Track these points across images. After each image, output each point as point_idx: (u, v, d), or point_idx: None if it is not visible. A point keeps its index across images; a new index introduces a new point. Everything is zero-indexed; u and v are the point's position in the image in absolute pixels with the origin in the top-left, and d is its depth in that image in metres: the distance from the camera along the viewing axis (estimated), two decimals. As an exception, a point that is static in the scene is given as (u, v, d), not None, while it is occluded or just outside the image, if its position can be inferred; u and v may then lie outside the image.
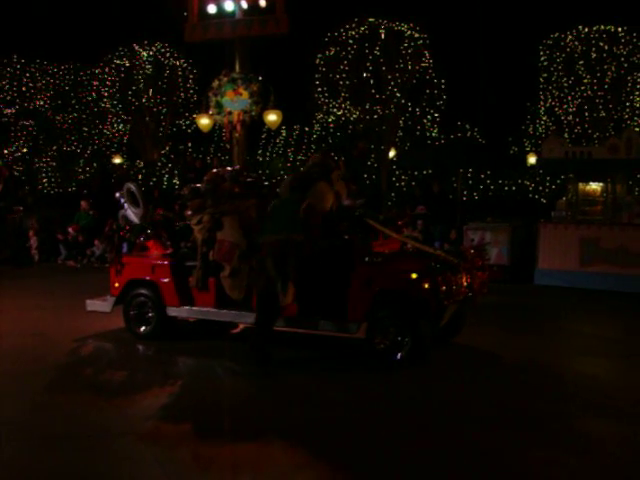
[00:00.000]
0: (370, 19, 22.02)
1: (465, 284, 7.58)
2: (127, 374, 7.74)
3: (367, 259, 7.68)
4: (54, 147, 25.79)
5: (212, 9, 14.25)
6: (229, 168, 9.24)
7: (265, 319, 7.78)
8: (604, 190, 13.74)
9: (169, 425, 6.04)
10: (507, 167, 21.35)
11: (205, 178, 8.75)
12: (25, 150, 25.24)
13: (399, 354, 7.45)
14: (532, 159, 21.05)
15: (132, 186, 9.44)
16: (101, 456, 5.31)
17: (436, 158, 18.67)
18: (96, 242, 15.78)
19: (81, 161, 25.70)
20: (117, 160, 24.38)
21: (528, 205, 19.45)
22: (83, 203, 17.72)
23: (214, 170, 9.05)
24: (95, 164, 24.17)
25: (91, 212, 17.15)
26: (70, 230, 16.77)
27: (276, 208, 7.89)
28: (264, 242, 7.72)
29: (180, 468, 5.14)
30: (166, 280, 8.78)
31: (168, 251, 9.26)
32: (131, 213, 9.35)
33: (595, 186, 13.89)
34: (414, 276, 7.34)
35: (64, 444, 5.53)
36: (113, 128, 25.51)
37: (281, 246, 7.55)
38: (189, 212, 8.78)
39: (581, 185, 13.95)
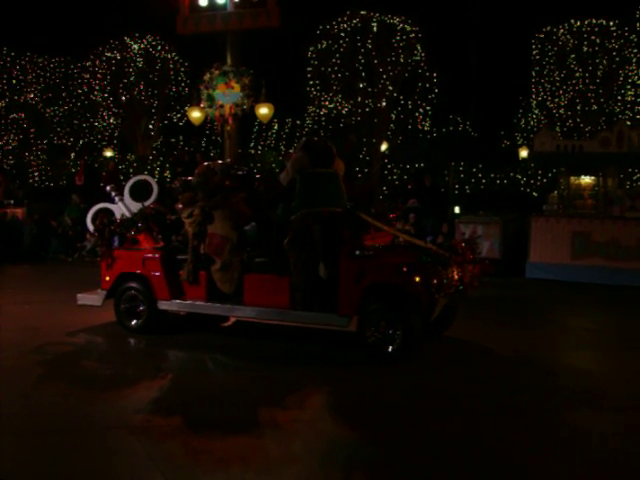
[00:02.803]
0: (362, 12, 21.96)
1: (456, 277, 7.58)
2: (118, 368, 7.71)
3: (358, 252, 7.68)
4: (45, 140, 25.66)
5: (204, 2, 14.19)
6: (220, 161, 9.23)
7: (306, 288, 7.83)
8: (595, 184, 13.75)
9: (160, 418, 6.03)
10: (499, 160, 21.36)
11: (196, 171, 8.73)
12: (15, 143, 25.10)
13: (390, 347, 7.44)
14: (524, 152, 21.08)
15: (148, 178, 9.56)
16: (92, 449, 5.31)
17: (428, 151, 18.61)
18: (87, 236, 15.71)
19: (72, 154, 25.59)
20: (108, 153, 24.26)
21: (520, 198, 19.47)
22: (74, 196, 17.66)
23: (205, 163, 9.03)
24: (86, 157, 24.05)
25: (82, 205, 17.08)
26: (67, 219, 16.75)
27: (320, 180, 7.89)
28: (311, 213, 7.76)
29: (171, 461, 5.13)
30: (157, 274, 8.76)
31: (159, 245, 9.24)
32: (122, 206, 9.34)
33: (587, 180, 13.90)
34: (405, 269, 7.33)
35: (54, 438, 5.52)
36: (104, 121, 25.42)
37: (333, 218, 7.66)
38: (180, 205, 8.77)
39: (572, 179, 13.94)
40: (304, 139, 8.35)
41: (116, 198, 9.49)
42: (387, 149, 21.94)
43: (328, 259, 7.67)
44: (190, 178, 8.82)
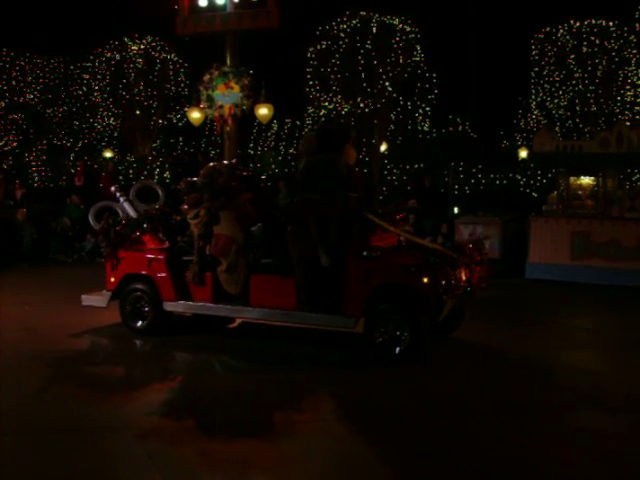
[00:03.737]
0: (361, 12, 22.00)
1: (464, 278, 7.59)
2: (123, 370, 7.71)
3: (365, 253, 7.68)
4: (44, 141, 25.62)
5: (203, 2, 14.17)
6: (225, 162, 9.24)
7: (308, 283, 7.79)
8: (595, 184, 13.78)
9: (165, 421, 6.00)
10: (498, 161, 21.41)
11: (201, 172, 8.72)
12: (15, 144, 25.06)
13: (398, 349, 7.43)
14: (523, 153, 21.13)
15: (153, 184, 9.63)
16: (94, 452, 5.27)
17: (427, 152, 18.69)
18: (88, 236, 15.70)
19: (71, 155, 25.56)
20: (108, 154, 24.27)
21: (519, 199, 19.51)
22: (74, 197, 17.66)
23: (211, 164, 9.03)
24: (86, 158, 24.04)
25: (82, 206, 17.07)
26: (66, 220, 16.76)
27: (317, 167, 7.88)
28: (304, 201, 7.74)
29: (175, 465, 5.09)
30: (162, 275, 8.73)
31: (164, 245, 9.24)
32: (128, 205, 9.36)
33: (586, 180, 13.93)
34: (413, 270, 7.33)
35: (57, 440, 5.48)
36: (104, 122, 25.42)
37: (326, 206, 7.63)
38: (186, 206, 8.77)
39: (572, 179, 13.95)
40: (324, 122, 8.48)
41: (121, 199, 9.48)
42: (387, 149, 21.98)
43: (327, 246, 7.62)
44: (195, 179, 8.83)
